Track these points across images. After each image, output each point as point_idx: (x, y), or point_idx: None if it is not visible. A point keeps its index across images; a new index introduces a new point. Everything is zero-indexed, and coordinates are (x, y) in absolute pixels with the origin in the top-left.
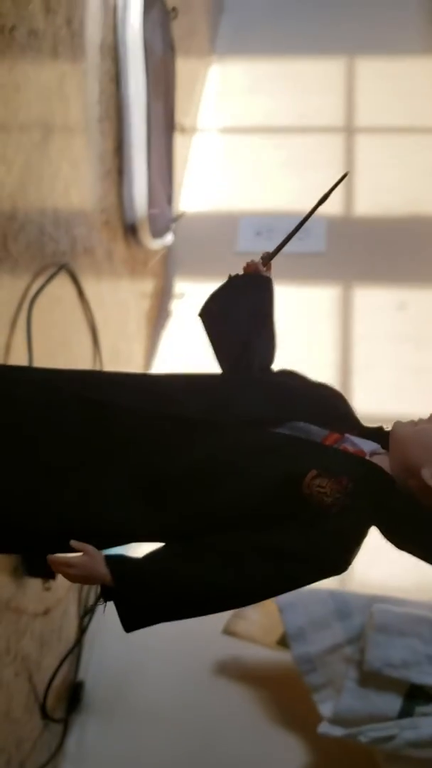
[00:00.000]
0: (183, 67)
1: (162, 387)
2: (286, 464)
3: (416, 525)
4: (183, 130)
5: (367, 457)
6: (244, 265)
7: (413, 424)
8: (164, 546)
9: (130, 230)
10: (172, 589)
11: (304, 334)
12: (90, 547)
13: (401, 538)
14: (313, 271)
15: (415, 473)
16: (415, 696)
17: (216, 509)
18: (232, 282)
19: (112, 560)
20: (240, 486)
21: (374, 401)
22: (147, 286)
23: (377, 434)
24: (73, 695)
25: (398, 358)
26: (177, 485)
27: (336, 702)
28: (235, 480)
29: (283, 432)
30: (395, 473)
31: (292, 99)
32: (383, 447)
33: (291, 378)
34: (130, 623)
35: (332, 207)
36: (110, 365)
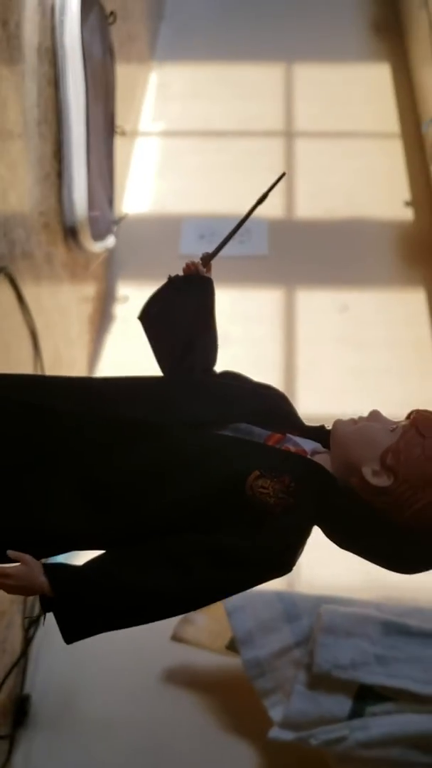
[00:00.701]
0: (123, 72)
1: (104, 390)
2: (229, 466)
3: (358, 523)
4: (123, 133)
5: (309, 456)
6: (184, 266)
7: (353, 422)
8: (107, 552)
9: (71, 233)
10: (114, 596)
11: (247, 337)
12: (28, 557)
13: (343, 537)
14: (255, 273)
15: (355, 471)
16: (364, 696)
17: (160, 513)
18: (172, 283)
19: (50, 569)
20: (183, 489)
21: (318, 402)
22: (89, 289)
23: (318, 433)
24: (19, 709)
25: (340, 359)
26: (120, 489)
27: (286, 706)
28: (179, 483)
29: (226, 433)
30: (337, 471)
31: (232, 104)
32: (325, 446)
33: (234, 379)
34: (70, 634)
35: (274, 210)
36: (52, 370)
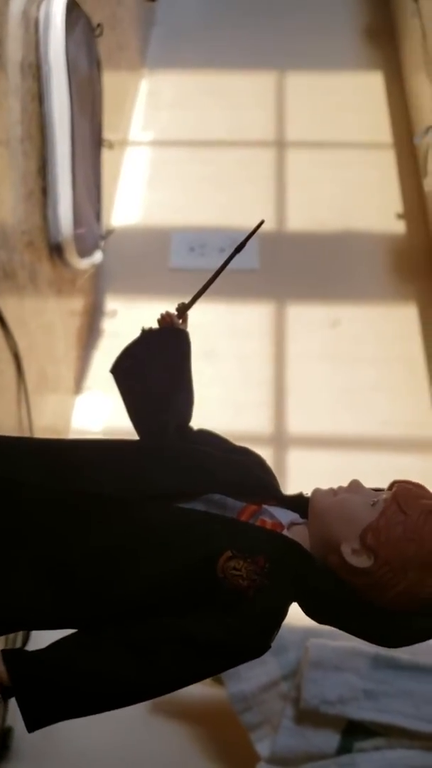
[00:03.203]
0: (113, 80)
1: (71, 457)
2: (199, 545)
3: (337, 604)
4: (111, 146)
5: (285, 530)
6: (158, 317)
7: (333, 493)
8: (70, 636)
9: (56, 251)
10: (74, 686)
11: (235, 353)
12: None
13: (322, 616)
14: (244, 287)
15: (334, 548)
16: (353, 732)
17: (125, 595)
18: (146, 337)
19: (8, 656)
20: (150, 570)
21: (309, 421)
22: (76, 304)
23: (297, 502)
24: (1, 743)
25: (331, 376)
26: (84, 568)
27: (273, 741)
28: (145, 563)
29: (196, 508)
30: (314, 547)
31: (223, 113)
32: (303, 515)
33: (209, 441)
34: (32, 722)
35: (265, 223)
36: (37, 391)
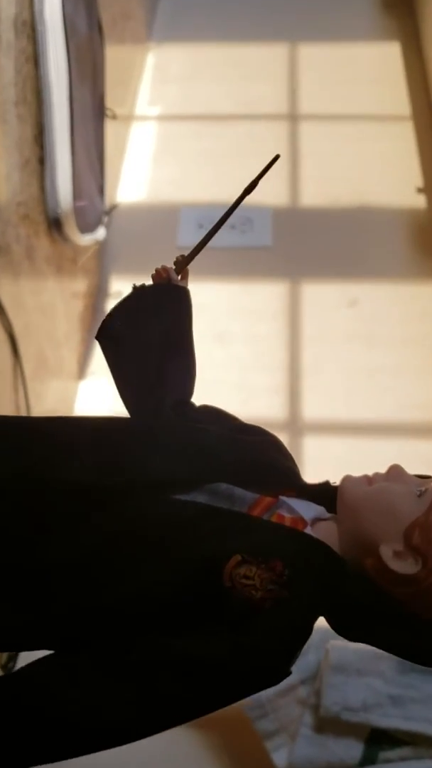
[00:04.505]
0: (117, 52)
1: (56, 438)
2: (199, 546)
3: (373, 618)
4: (114, 116)
5: (308, 527)
6: (153, 272)
7: (368, 480)
8: (44, 660)
9: (55, 225)
10: (47, 725)
11: (248, 334)
12: None
13: (355, 633)
14: (258, 266)
15: (371, 550)
16: (377, 741)
17: (113, 607)
18: (138, 295)
19: None
20: (142, 577)
21: (325, 405)
22: (78, 285)
23: (322, 493)
24: None
25: (349, 358)
26: (64, 575)
27: (290, 750)
28: (136, 569)
29: (198, 501)
30: (345, 548)
31: (233, 86)
32: (330, 509)
33: (214, 421)
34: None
35: (278, 198)
36: (36, 376)
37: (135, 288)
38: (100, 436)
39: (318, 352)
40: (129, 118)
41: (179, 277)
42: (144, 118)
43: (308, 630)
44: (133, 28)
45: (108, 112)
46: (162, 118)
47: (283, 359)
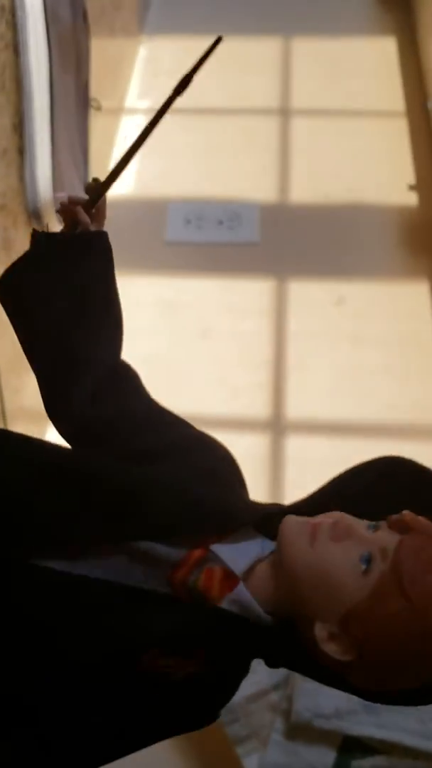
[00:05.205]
0: (107, 44)
1: None
2: (109, 640)
3: (313, 676)
4: (99, 107)
5: (240, 584)
6: (57, 206)
7: (311, 531)
8: None
9: (34, 216)
10: None
11: (233, 331)
12: None
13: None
14: (244, 262)
15: (306, 619)
16: (350, 749)
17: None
18: (39, 248)
19: None
20: (34, 665)
21: (309, 405)
22: None
23: (271, 519)
24: None
25: (335, 357)
26: None
27: (261, 756)
28: (30, 657)
29: (105, 578)
30: (282, 595)
31: (225, 80)
32: (275, 536)
33: (144, 427)
34: None
35: (266, 193)
36: (12, 369)
37: (34, 236)
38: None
39: (303, 351)
40: (118, 110)
41: (94, 214)
42: (134, 111)
43: (238, 679)
44: (124, 19)
45: (93, 104)
46: (152, 111)
47: (268, 357)
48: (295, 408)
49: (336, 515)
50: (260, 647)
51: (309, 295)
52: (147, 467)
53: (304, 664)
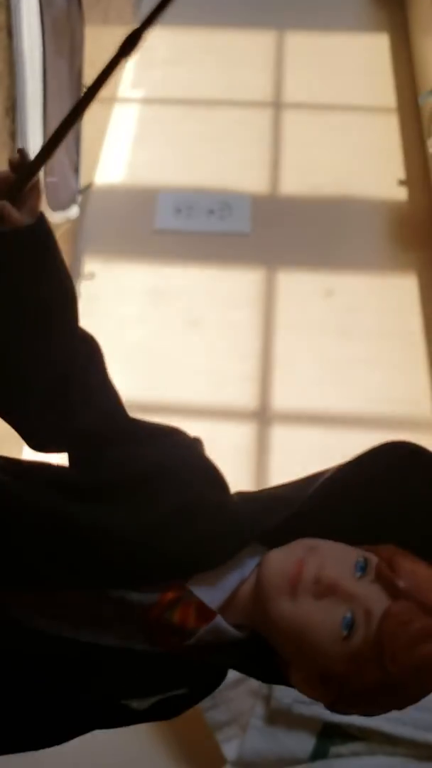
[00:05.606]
0: (100, 32)
1: None
2: (90, 695)
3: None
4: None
5: (218, 617)
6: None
7: (291, 584)
8: None
9: None
10: None
11: (222, 322)
12: None
13: None
14: (234, 252)
15: (282, 660)
16: (329, 735)
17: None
18: None
19: None
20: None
21: (296, 396)
22: None
23: (259, 523)
24: None
25: (323, 349)
26: None
27: (241, 742)
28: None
29: (78, 634)
30: (258, 622)
31: (217, 71)
32: (264, 540)
33: (121, 460)
34: None
35: (258, 184)
36: None
37: None
38: None
39: (291, 342)
40: (111, 99)
41: (26, 194)
42: (127, 100)
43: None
44: (119, 8)
45: (85, 90)
46: (145, 101)
47: (256, 348)
48: (282, 398)
49: (321, 553)
50: (237, 663)
51: (298, 287)
52: (119, 507)
53: (279, 679)
